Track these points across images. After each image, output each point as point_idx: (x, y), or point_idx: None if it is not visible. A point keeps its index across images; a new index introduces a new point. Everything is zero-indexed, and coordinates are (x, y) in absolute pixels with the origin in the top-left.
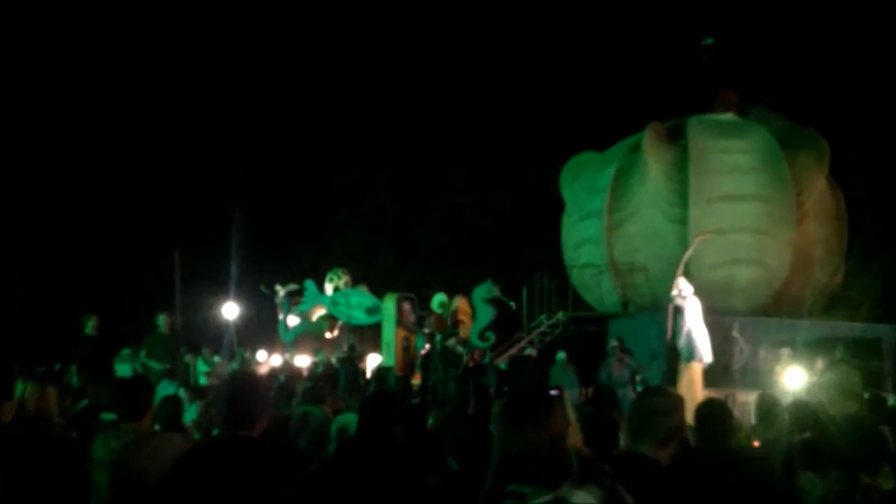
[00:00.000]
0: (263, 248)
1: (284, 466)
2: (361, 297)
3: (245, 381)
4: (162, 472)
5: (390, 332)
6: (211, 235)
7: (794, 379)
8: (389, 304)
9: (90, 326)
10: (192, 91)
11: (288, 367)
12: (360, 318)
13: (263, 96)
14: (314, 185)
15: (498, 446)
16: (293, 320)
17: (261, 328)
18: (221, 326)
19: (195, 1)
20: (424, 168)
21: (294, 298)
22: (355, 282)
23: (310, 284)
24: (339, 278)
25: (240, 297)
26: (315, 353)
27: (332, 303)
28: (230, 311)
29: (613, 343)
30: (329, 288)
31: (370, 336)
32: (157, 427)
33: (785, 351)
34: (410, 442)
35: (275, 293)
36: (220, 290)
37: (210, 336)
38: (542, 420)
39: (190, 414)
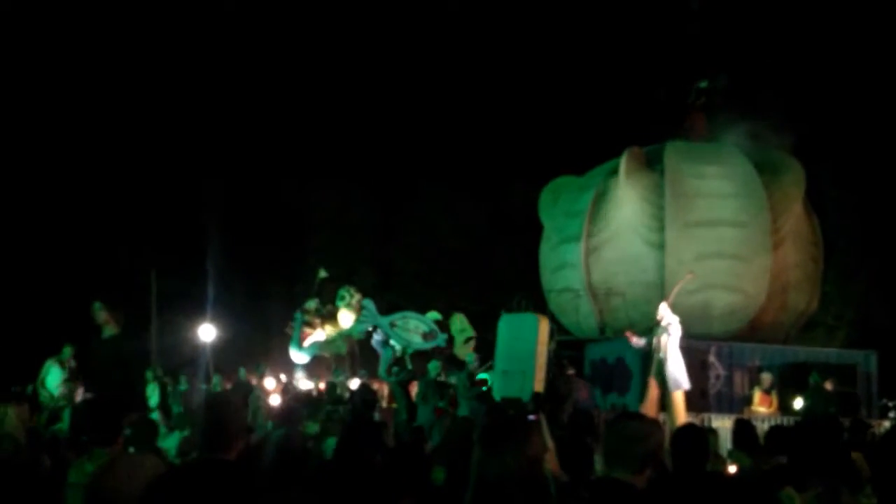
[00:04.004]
0: (240, 269)
1: (260, 489)
2: (419, 321)
3: (221, 404)
4: (137, 495)
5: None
6: (187, 256)
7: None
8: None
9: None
10: (168, 111)
11: (295, 389)
12: (417, 342)
13: (241, 116)
14: (291, 207)
15: (475, 470)
16: (308, 339)
17: (237, 350)
18: (198, 349)
19: (169, 23)
20: (402, 190)
21: (309, 318)
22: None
23: (368, 303)
24: (352, 296)
25: (216, 319)
26: (333, 373)
27: (391, 325)
28: (207, 333)
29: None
30: (341, 307)
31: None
32: (131, 450)
33: (765, 375)
34: (386, 465)
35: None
36: (196, 312)
37: (186, 358)
38: (520, 445)
39: (170, 441)
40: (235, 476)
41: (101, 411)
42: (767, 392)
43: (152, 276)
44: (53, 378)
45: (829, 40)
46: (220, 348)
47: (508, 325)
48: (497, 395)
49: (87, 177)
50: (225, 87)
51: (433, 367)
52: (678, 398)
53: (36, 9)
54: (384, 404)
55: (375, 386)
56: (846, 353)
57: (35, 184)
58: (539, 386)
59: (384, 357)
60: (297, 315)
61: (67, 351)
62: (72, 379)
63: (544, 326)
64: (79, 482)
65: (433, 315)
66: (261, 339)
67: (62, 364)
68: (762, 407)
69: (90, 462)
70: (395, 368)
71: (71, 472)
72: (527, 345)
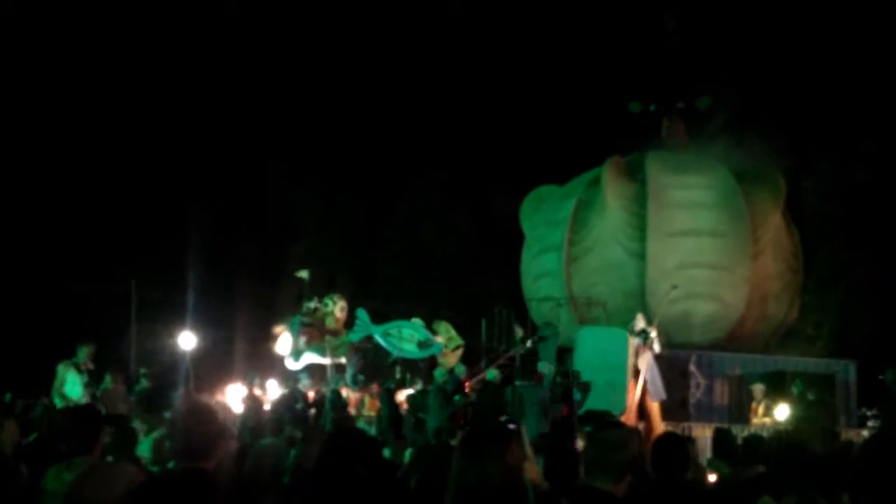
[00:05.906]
0: (221, 276)
1: (239, 499)
2: (413, 330)
3: (201, 413)
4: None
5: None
6: (168, 264)
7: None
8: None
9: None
10: (148, 119)
11: (301, 393)
12: (411, 350)
13: (223, 125)
14: (273, 215)
15: (455, 479)
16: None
17: (217, 359)
18: (177, 356)
19: (148, 32)
20: (384, 198)
21: (305, 326)
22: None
23: (362, 313)
24: (335, 303)
25: (197, 327)
26: (333, 381)
27: (384, 334)
28: (187, 341)
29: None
30: (325, 314)
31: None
32: (109, 458)
33: (758, 386)
34: (366, 475)
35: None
36: (176, 320)
37: (165, 366)
38: (499, 453)
39: (143, 446)
40: (214, 486)
41: (80, 419)
42: (759, 403)
43: (132, 284)
44: (73, 384)
45: (809, 51)
46: (199, 356)
47: (591, 339)
48: (582, 408)
49: (67, 186)
50: (206, 96)
51: (439, 373)
52: (656, 408)
53: (10, 21)
54: (362, 412)
55: (344, 394)
56: (825, 363)
57: (15, 193)
58: (630, 398)
59: (351, 364)
60: (296, 319)
61: (83, 353)
62: (91, 383)
63: (633, 340)
64: (56, 490)
65: (417, 322)
66: (241, 348)
67: (78, 368)
68: (755, 418)
69: (68, 470)
70: (360, 377)
71: (48, 479)
72: (616, 358)
